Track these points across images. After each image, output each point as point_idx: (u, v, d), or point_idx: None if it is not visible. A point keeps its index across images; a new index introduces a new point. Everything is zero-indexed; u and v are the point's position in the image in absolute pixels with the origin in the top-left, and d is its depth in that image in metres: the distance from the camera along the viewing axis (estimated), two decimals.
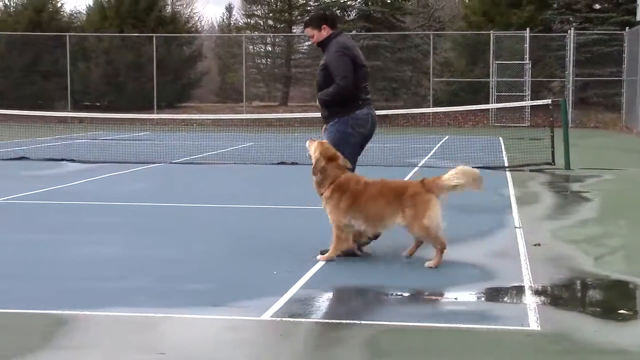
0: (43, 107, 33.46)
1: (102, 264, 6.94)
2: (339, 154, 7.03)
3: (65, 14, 40.20)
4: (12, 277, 6.46)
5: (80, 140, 22.39)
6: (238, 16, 53.30)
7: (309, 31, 7.54)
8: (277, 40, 46.86)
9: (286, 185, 12.97)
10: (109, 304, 5.60)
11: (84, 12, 41.08)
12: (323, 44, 7.44)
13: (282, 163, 15.88)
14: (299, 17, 43.11)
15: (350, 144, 7.32)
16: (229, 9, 65.56)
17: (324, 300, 5.89)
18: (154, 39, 35.21)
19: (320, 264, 6.85)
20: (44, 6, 38.05)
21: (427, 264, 6.78)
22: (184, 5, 50.03)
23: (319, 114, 7.80)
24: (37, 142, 20.18)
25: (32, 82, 35.91)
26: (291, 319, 5.30)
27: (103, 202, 10.62)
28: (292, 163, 15.76)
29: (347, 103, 7.31)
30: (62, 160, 16.18)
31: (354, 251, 7.13)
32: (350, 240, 6.99)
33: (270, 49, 49.44)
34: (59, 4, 39.53)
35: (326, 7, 36.30)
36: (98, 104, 37.74)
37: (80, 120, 30.89)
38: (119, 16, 37.44)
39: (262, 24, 45.60)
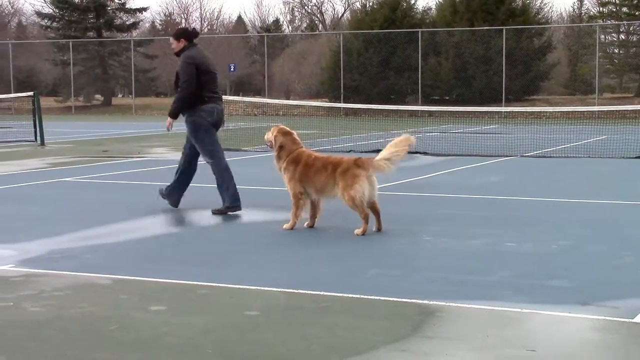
0: (395, 101, 34.70)
1: (462, 256, 6.98)
2: (292, 131, 8.34)
3: (417, 11, 41.30)
4: (378, 265, 6.71)
5: (431, 134, 22.84)
6: (590, 5, 51.57)
7: (171, 40, 9.40)
8: (631, 28, 44.65)
9: None
10: (473, 296, 5.60)
11: (434, 8, 41.93)
12: (178, 54, 9.27)
13: None
14: None
15: (205, 129, 9.18)
16: None
17: None
18: (504, 31, 35.03)
19: None
20: (398, 4, 39.38)
21: (355, 231, 7.73)
22: None
23: None
24: (391, 135, 20.87)
25: (385, 77, 37.34)
26: None
27: (458, 195, 10.74)
28: None
29: (195, 100, 9.13)
30: (416, 153, 16.59)
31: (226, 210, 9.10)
32: (307, 207, 8.17)
33: (623, 37, 47.22)
34: (412, 1, 40.71)
35: None
36: (447, 97, 38.33)
37: (430, 113, 31.56)
38: (470, 10, 37.71)
39: (615, 11, 43.60)
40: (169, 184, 9.61)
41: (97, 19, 47.66)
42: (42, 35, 53.56)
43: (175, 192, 9.54)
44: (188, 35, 9.37)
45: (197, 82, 9.09)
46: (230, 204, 9.15)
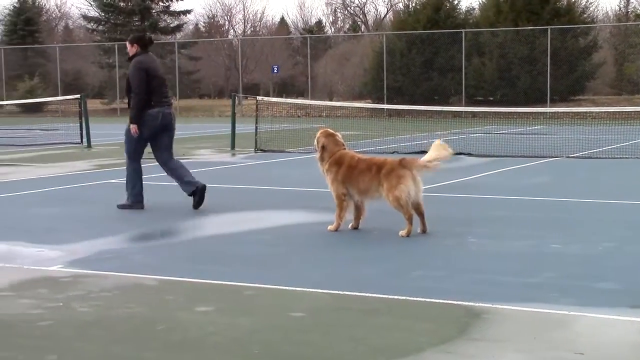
0: (438, 102, 34.55)
1: (508, 258, 6.92)
2: (336, 133, 8.37)
3: (461, 11, 41.07)
4: (423, 266, 6.69)
5: (475, 135, 22.71)
6: (637, 4, 50.92)
7: (127, 44, 9.94)
8: None
9: None
10: (519, 298, 5.57)
11: (478, 8, 41.65)
12: (131, 59, 9.79)
13: None
14: None
15: (140, 136, 9.67)
16: None
17: None
18: (549, 31, 34.70)
19: None
20: (441, 4, 39.20)
21: (400, 233, 7.73)
22: None
23: None
24: (434, 137, 20.78)
25: (429, 78, 37.20)
26: None
27: (503, 196, 10.67)
28: None
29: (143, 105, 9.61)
30: (460, 154, 16.50)
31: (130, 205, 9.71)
32: (351, 208, 8.15)
33: None
34: (455, 2, 40.50)
35: None
36: (491, 98, 38.06)
37: (474, 114, 31.39)
38: (514, 10, 37.40)
39: None
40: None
41: (142, 21, 48.15)
42: (88, 38, 54.26)
43: (189, 188, 9.74)
44: (143, 42, 9.88)
45: (147, 87, 9.58)
46: (132, 202, 9.74)
